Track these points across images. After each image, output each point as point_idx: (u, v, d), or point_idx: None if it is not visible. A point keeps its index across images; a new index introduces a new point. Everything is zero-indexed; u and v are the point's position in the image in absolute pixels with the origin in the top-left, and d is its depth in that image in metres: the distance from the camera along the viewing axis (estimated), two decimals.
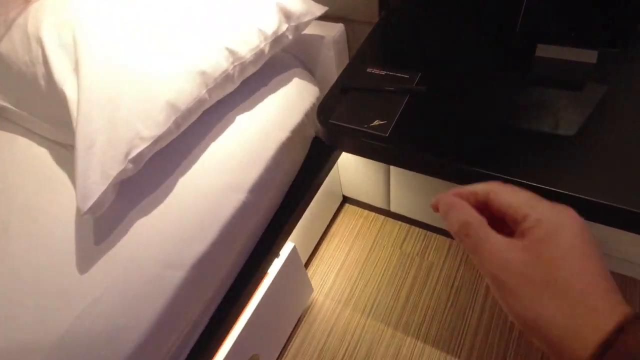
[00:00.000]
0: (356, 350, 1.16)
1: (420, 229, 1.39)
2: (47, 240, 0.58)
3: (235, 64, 0.66)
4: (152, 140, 0.56)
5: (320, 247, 1.39)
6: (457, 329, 1.16)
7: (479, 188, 0.29)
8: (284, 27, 0.71)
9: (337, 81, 0.67)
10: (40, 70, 0.61)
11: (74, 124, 0.54)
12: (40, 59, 0.60)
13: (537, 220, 0.25)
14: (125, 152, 0.54)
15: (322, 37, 0.83)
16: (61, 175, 0.66)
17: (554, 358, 0.23)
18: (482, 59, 0.66)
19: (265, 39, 0.69)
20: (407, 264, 1.31)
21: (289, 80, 0.82)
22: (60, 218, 0.60)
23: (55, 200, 0.62)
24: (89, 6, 0.60)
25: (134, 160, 0.55)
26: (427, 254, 1.32)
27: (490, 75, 0.63)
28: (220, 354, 0.89)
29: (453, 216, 0.28)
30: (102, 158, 0.53)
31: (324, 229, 1.41)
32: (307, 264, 1.35)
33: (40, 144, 0.72)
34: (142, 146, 0.55)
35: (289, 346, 1.17)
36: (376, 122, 0.59)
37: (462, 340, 1.13)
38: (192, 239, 0.63)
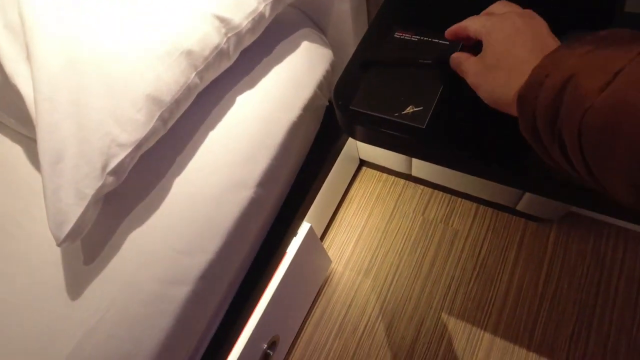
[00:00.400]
0: (378, 322, 1.13)
1: (444, 194, 1.29)
2: (29, 262, 0.51)
3: (229, 35, 0.53)
4: (133, 146, 0.46)
5: (338, 215, 1.32)
6: (484, 301, 1.10)
7: (463, 24, 0.42)
8: None
9: (356, 51, 0.54)
10: None
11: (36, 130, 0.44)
12: None
13: (484, 35, 0.38)
14: (101, 165, 0.44)
15: None
16: (38, 181, 0.57)
17: (511, 113, 0.35)
18: (546, 15, 0.51)
19: None
20: (430, 232, 1.23)
21: (296, 45, 0.68)
22: (40, 234, 0.52)
23: (33, 211, 0.54)
24: None
25: (115, 172, 0.45)
26: (451, 221, 1.24)
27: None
28: (241, 341, 0.86)
29: (452, 60, 0.44)
30: (75, 174, 0.43)
31: (340, 195, 1.33)
32: (324, 233, 1.29)
33: (14, 140, 0.63)
34: (122, 154, 0.45)
35: (309, 320, 1.15)
36: (409, 109, 0.47)
37: (488, 312, 1.09)
38: (196, 249, 0.55)
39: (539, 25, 0.36)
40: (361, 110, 0.48)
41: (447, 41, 0.51)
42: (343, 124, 0.51)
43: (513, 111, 0.34)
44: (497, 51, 0.35)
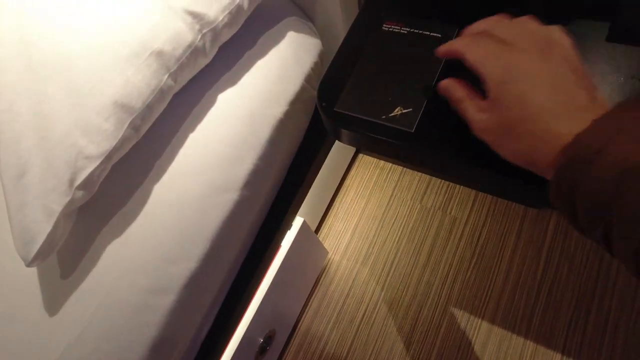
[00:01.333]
0: (375, 312, 1.13)
1: (442, 181, 1.26)
2: (4, 276, 0.49)
3: (204, 31, 0.49)
4: (102, 158, 0.43)
5: (335, 203, 1.30)
6: (482, 289, 1.09)
7: (457, 48, 0.34)
8: None
9: (341, 47, 0.50)
10: None
11: None
12: None
13: (491, 81, 0.30)
14: (68, 179, 0.41)
15: None
16: None
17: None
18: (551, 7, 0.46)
19: None
20: (428, 219, 1.21)
21: (281, 35, 0.63)
22: (12, 245, 0.50)
23: (4, 222, 0.52)
24: None
25: (84, 186, 0.43)
26: (449, 208, 1.21)
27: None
28: (237, 336, 0.85)
29: (442, 89, 0.37)
30: (40, 189, 0.40)
31: (337, 183, 1.30)
32: (321, 222, 1.27)
33: None
34: (91, 167, 0.42)
35: (306, 311, 1.15)
36: (398, 111, 0.43)
37: (486, 300, 1.08)
38: (179, 256, 0.53)
39: (566, 60, 0.29)
40: (346, 113, 0.45)
41: (439, 34, 0.47)
42: (328, 127, 0.48)
43: (544, 174, 0.28)
44: (513, 113, 0.28)
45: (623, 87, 0.39)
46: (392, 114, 0.43)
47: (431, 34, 0.47)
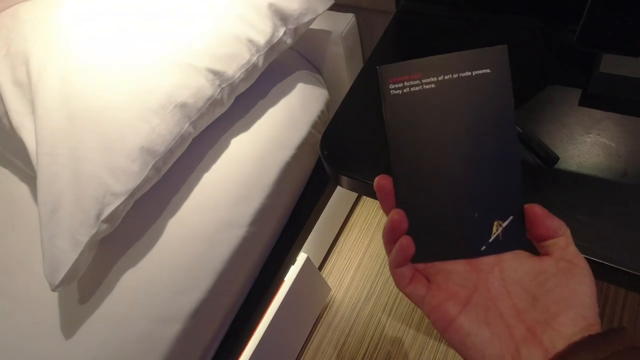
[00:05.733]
0: (376, 352, 1.13)
1: None
2: (26, 299, 0.54)
3: (223, 86, 0.55)
4: (127, 195, 0.48)
5: (339, 241, 1.33)
6: None
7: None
8: (280, 32, 0.58)
9: (344, 103, 0.56)
10: (1, 108, 0.53)
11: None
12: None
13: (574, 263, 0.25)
14: (96, 213, 0.47)
15: (328, 33, 0.70)
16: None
17: None
18: (526, 75, 0.52)
19: (258, 50, 0.57)
20: None
21: (291, 86, 0.70)
22: (38, 271, 0.55)
23: (32, 249, 0.57)
24: (41, 33, 0.50)
25: (108, 220, 0.48)
26: None
27: (532, 91, 0.50)
28: None
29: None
30: (70, 222, 0.46)
31: (342, 221, 1.34)
32: (325, 259, 1.29)
33: (22, 178, 0.66)
34: (116, 203, 0.48)
35: (307, 347, 1.15)
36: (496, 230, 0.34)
37: None
38: (187, 288, 0.57)
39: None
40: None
41: (487, 69, 0.25)
42: (330, 173, 0.53)
43: None
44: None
45: (592, 148, 0.44)
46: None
47: (474, 72, 0.25)
